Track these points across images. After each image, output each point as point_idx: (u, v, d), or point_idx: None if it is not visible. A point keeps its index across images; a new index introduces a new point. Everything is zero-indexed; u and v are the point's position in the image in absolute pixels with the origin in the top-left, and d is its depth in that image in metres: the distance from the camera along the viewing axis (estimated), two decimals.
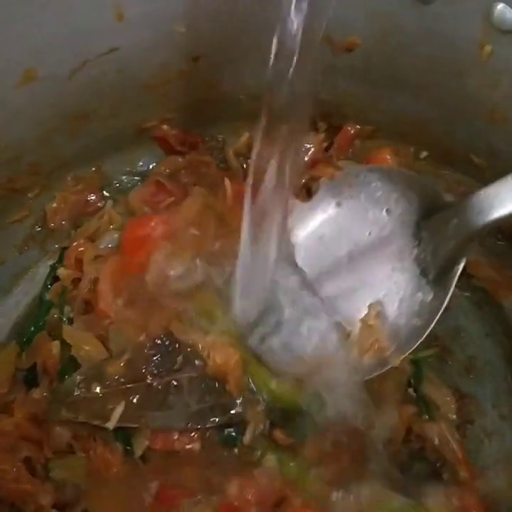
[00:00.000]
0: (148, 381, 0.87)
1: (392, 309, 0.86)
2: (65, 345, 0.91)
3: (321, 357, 0.85)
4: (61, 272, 1.00)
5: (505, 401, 0.93)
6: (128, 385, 0.87)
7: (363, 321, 0.87)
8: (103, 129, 1.04)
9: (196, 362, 0.87)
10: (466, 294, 0.98)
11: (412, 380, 0.91)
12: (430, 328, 0.84)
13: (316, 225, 0.94)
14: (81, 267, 0.98)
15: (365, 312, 0.87)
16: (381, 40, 0.94)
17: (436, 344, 0.94)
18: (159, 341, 0.89)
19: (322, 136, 1.06)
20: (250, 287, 0.85)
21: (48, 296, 0.99)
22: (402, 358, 0.85)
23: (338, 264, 0.91)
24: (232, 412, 0.87)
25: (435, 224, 0.86)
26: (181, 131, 1.08)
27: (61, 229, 1.07)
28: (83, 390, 0.87)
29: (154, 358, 0.88)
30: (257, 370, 0.86)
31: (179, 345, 0.88)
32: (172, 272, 0.89)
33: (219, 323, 0.87)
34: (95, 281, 0.95)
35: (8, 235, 1.06)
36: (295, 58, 0.71)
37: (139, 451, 0.88)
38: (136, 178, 1.11)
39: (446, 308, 0.85)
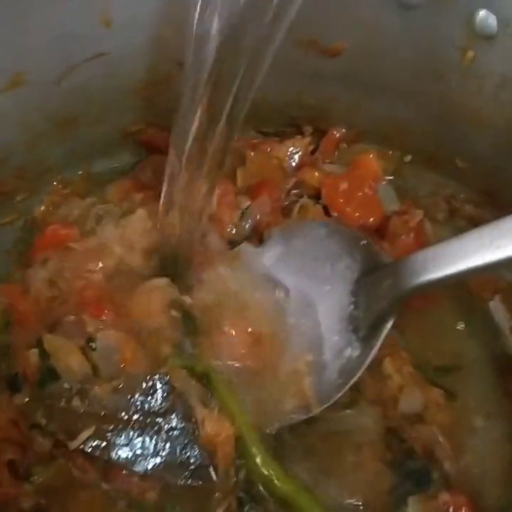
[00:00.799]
0: (129, 415, 0.84)
1: (321, 361, 0.88)
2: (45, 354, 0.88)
3: None
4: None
5: (491, 400, 0.94)
6: (107, 412, 0.84)
7: (293, 369, 0.88)
8: (90, 133, 1.05)
9: (184, 413, 0.85)
10: (450, 294, 0.99)
11: None
12: (352, 382, 0.85)
13: (261, 270, 0.95)
14: None
15: (297, 360, 0.89)
16: (366, 46, 0.95)
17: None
18: (155, 379, 0.85)
19: (308, 139, 1.07)
20: None
21: None
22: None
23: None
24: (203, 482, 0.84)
25: (370, 283, 0.88)
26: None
27: None
28: (64, 400, 0.85)
29: (144, 394, 0.85)
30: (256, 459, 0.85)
31: (172, 390, 0.85)
32: None
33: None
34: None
35: None
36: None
37: None
38: None
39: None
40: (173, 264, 0.94)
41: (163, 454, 0.83)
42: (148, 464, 0.83)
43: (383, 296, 0.85)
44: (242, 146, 1.07)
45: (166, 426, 0.84)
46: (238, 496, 0.83)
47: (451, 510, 0.84)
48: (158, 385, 0.85)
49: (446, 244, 0.80)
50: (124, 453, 0.83)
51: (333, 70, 1.00)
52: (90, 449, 0.83)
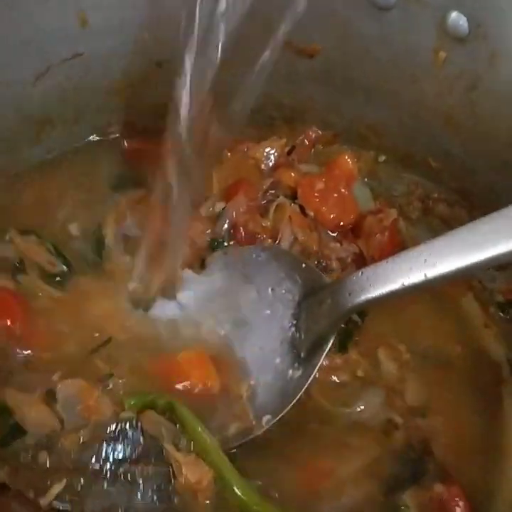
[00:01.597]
0: (100, 465, 0.80)
1: (262, 384, 0.88)
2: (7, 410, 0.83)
3: None
4: None
5: (468, 395, 0.95)
6: (77, 464, 0.80)
7: (236, 394, 0.89)
8: (67, 134, 1.05)
9: (158, 457, 0.81)
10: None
11: None
12: (293, 402, 0.86)
13: (203, 296, 0.96)
14: None
15: (240, 384, 0.89)
16: (340, 46, 0.97)
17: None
18: (123, 424, 0.81)
19: (284, 140, 1.08)
20: None
21: None
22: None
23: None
24: None
25: (311, 304, 0.89)
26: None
27: None
28: (30, 456, 0.80)
29: (113, 441, 0.80)
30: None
31: (143, 434, 0.81)
32: None
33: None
34: None
35: None
36: None
37: None
38: None
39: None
40: None
41: (140, 503, 0.80)
42: None
43: (323, 317, 0.87)
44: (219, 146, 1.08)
45: (140, 474, 0.80)
46: None
47: (444, 499, 0.84)
48: (128, 431, 0.81)
49: (383, 264, 0.82)
50: (98, 506, 0.79)
51: (308, 71, 1.02)
52: (62, 506, 0.78)
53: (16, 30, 0.89)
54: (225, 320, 0.93)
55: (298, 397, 0.86)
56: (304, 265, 0.94)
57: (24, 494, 0.78)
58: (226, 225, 1.01)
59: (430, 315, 0.98)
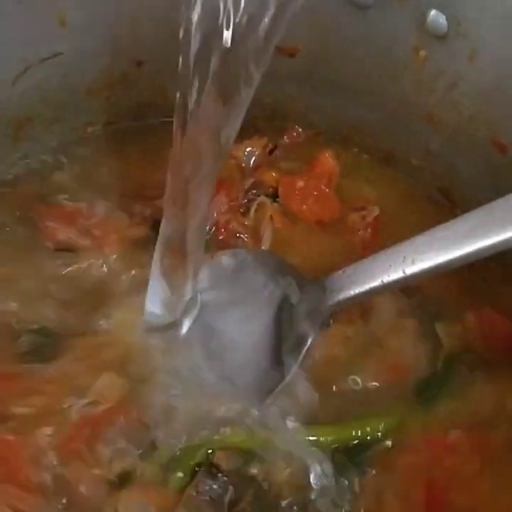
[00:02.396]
0: None
1: (244, 382, 0.88)
2: None
3: None
4: None
5: None
6: None
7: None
8: (47, 134, 1.04)
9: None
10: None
11: None
12: (274, 397, 0.86)
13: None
14: None
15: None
16: (321, 46, 0.97)
17: None
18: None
19: (265, 139, 1.08)
20: None
21: None
22: None
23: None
24: None
25: (293, 304, 0.90)
26: None
27: None
28: None
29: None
30: None
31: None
32: None
33: None
34: None
35: None
36: None
37: None
38: None
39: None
40: None
41: None
42: None
43: (305, 315, 0.87)
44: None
45: None
46: None
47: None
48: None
49: (363, 262, 0.83)
50: None
51: (289, 70, 1.02)
52: None
53: None
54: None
55: (277, 391, 0.85)
56: (287, 266, 0.94)
57: None
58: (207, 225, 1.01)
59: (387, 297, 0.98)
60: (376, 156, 1.07)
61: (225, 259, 0.97)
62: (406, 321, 0.93)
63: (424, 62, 0.91)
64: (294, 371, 0.86)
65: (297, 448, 0.83)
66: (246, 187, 1.04)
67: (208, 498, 0.79)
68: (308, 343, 0.86)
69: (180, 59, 0.69)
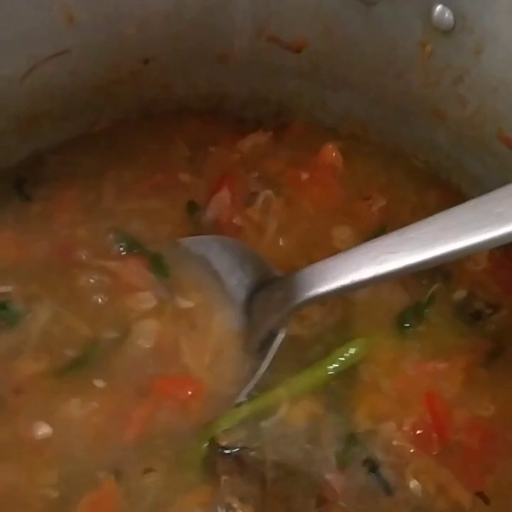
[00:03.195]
0: None
1: (217, 374, 0.89)
2: None
3: None
4: None
5: None
6: None
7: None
8: (54, 131, 1.04)
9: None
10: None
11: None
12: (245, 393, 0.87)
13: None
14: None
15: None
16: (327, 41, 0.97)
17: None
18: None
19: (269, 134, 1.08)
20: None
21: None
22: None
23: None
24: None
25: (262, 297, 0.90)
26: None
27: None
28: None
29: None
30: None
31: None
32: None
33: None
34: None
35: None
36: None
37: None
38: None
39: None
40: None
41: None
42: None
43: (274, 310, 0.88)
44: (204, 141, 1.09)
45: None
46: None
47: None
48: None
49: (334, 259, 0.84)
50: None
51: (295, 66, 1.02)
52: None
53: (1, 27, 0.89)
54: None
55: (250, 387, 0.86)
56: (255, 256, 0.95)
57: None
58: (210, 220, 1.02)
59: None
60: (381, 150, 1.08)
61: (193, 245, 0.98)
62: None
63: (430, 57, 0.91)
64: (265, 366, 0.87)
65: None
66: (250, 181, 1.05)
67: (244, 477, 0.81)
68: (280, 339, 0.87)
69: None
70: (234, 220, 1.01)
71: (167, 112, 1.09)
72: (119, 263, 0.96)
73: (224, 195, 1.02)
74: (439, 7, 0.87)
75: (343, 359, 0.88)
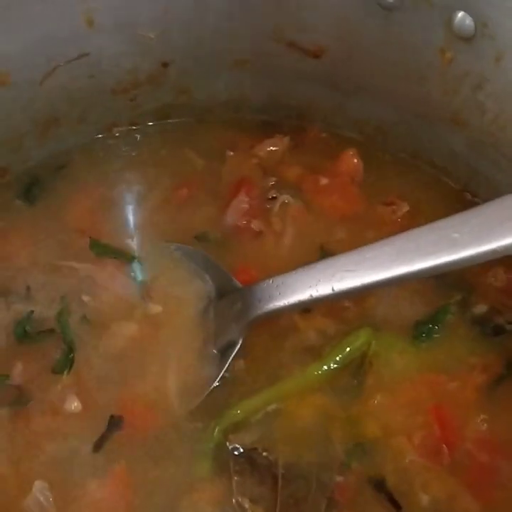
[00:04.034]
0: None
1: (177, 380, 0.89)
2: None
3: None
4: None
5: None
6: None
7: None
8: (73, 134, 1.05)
9: None
10: None
11: None
12: (202, 398, 0.86)
13: None
14: None
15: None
16: (347, 47, 0.97)
17: None
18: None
19: (287, 138, 1.08)
20: None
21: None
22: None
23: None
24: None
25: (222, 306, 0.91)
26: None
27: None
28: None
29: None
30: None
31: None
32: None
33: None
34: None
35: None
36: None
37: None
38: None
39: None
40: None
41: None
42: None
43: (232, 321, 0.88)
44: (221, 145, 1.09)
45: None
46: None
47: None
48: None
49: (293, 274, 0.85)
50: None
51: (314, 71, 1.02)
52: None
53: (22, 30, 0.90)
54: None
55: (208, 390, 0.86)
56: (214, 265, 0.95)
57: None
58: (228, 224, 1.02)
59: None
60: (399, 156, 1.08)
61: (153, 252, 0.99)
62: None
63: (450, 63, 0.91)
64: (220, 375, 0.87)
65: None
66: (268, 185, 1.05)
67: (255, 477, 0.81)
68: (236, 348, 0.87)
69: None
70: (252, 225, 1.01)
71: (185, 116, 1.10)
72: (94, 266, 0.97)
73: (242, 199, 1.02)
74: (460, 14, 0.86)
75: (350, 349, 0.88)
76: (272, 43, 1.00)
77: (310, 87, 1.05)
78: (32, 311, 0.91)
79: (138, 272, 0.97)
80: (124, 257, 0.98)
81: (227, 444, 0.82)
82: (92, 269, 0.96)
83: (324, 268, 0.83)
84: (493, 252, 0.76)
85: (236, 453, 0.82)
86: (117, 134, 1.10)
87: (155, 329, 0.92)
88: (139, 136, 1.10)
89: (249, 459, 0.81)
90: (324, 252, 0.97)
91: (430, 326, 0.91)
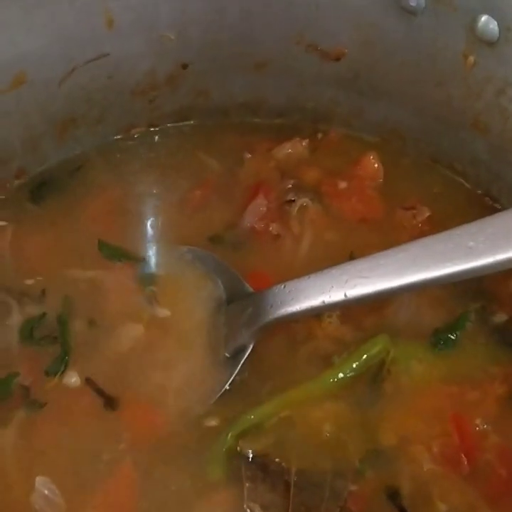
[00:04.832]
0: None
1: (186, 384, 0.88)
2: None
3: None
4: None
5: None
6: None
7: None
8: (90, 135, 1.05)
9: None
10: None
11: None
12: (212, 402, 0.86)
13: None
14: None
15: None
16: (367, 50, 0.97)
17: None
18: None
19: (306, 141, 1.08)
20: None
21: None
22: None
23: None
24: None
25: (233, 311, 0.90)
26: None
27: None
28: None
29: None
30: None
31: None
32: None
33: None
34: None
35: None
36: None
37: None
38: None
39: None
40: None
41: None
42: None
43: (244, 326, 0.88)
44: (239, 147, 1.08)
45: None
46: None
47: None
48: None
49: (306, 279, 0.84)
50: None
51: (334, 74, 1.02)
52: None
53: (41, 30, 0.89)
54: None
55: (219, 394, 0.86)
56: (226, 269, 0.94)
57: None
58: (245, 227, 1.01)
59: None
60: (419, 160, 1.07)
61: (164, 255, 0.99)
62: None
63: (473, 68, 0.90)
64: (231, 379, 0.86)
65: None
66: (286, 188, 1.05)
67: (267, 484, 0.80)
68: (247, 353, 0.87)
69: None
70: (270, 228, 1.00)
71: (203, 118, 1.10)
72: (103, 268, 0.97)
73: (260, 202, 1.02)
74: (484, 18, 0.85)
75: (366, 356, 0.86)
76: (292, 46, 1.00)
77: (329, 89, 1.05)
78: (44, 314, 0.91)
79: (147, 275, 0.97)
80: (134, 259, 0.98)
81: (239, 449, 0.82)
82: (100, 271, 0.96)
83: (338, 274, 0.82)
84: (509, 260, 0.76)
85: (248, 458, 0.81)
86: (135, 136, 1.09)
87: (163, 333, 0.91)
88: (157, 138, 1.10)
89: (262, 465, 0.80)
90: (341, 257, 0.96)
91: (449, 333, 0.90)
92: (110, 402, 0.85)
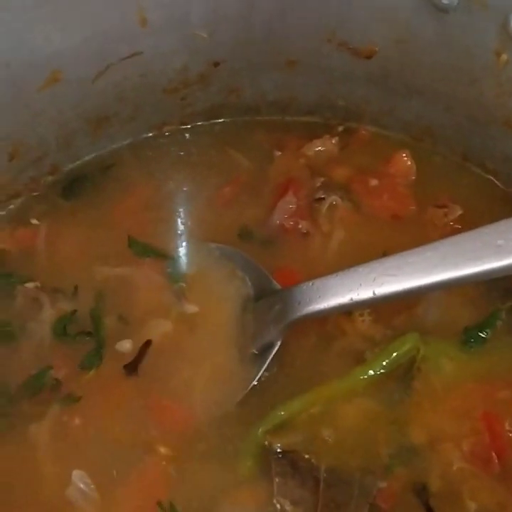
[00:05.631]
0: None
1: (214, 379, 0.88)
2: None
3: None
4: None
5: None
6: None
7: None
8: (123, 132, 1.06)
9: None
10: None
11: None
12: (240, 398, 0.86)
13: None
14: None
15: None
16: (399, 48, 0.96)
17: None
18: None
19: (336, 138, 1.08)
20: None
21: None
22: None
23: None
24: None
25: (261, 307, 0.90)
26: None
27: None
28: None
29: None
30: None
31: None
32: None
33: None
34: None
35: None
36: None
37: None
38: None
39: None
40: None
41: None
42: None
43: (271, 322, 0.88)
44: (269, 145, 1.09)
45: None
46: None
47: None
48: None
49: (334, 277, 0.84)
50: None
51: (365, 72, 1.02)
52: None
53: (76, 28, 0.90)
54: None
55: (246, 391, 0.86)
56: (254, 266, 0.95)
57: None
58: (275, 224, 1.02)
59: None
60: (450, 158, 1.07)
61: (192, 252, 0.99)
62: None
63: (505, 65, 0.90)
64: (259, 375, 0.86)
65: None
66: (316, 186, 1.05)
67: (297, 480, 0.80)
68: (275, 349, 0.87)
69: None
70: (299, 226, 1.01)
71: (234, 116, 1.10)
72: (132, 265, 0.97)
73: (289, 200, 1.02)
74: None
75: (396, 354, 0.86)
76: (323, 44, 1.00)
77: (360, 88, 1.05)
78: (75, 311, 0.92)
79: (176, 271, 0.97)
80: (163, 256, 0.98)
81: (269, 444, 0.82)
82: (130, 268, 0.97)
83: (366, 272, 0.82)
84: None
85: (278, 454, 0.81)
86: (167, 133, 1.10)
87: (191, 329, 0.92)
88: (187, 136, 1.11)
89: (291, 461, 0.81)
90: (371, 255, 0.96)
91: (479, 332, 0.90)
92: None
